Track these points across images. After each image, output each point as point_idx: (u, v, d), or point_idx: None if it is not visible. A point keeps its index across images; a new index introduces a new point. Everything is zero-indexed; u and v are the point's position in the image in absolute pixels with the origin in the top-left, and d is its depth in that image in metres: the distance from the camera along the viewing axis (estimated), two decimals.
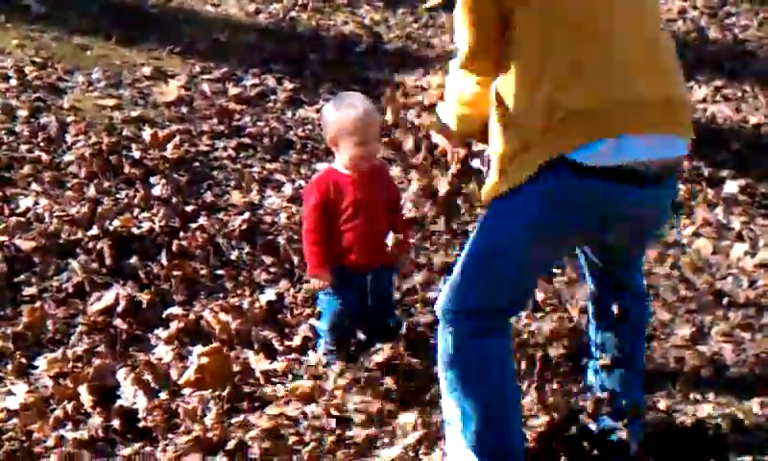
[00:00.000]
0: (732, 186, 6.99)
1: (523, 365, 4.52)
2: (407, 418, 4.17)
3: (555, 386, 4.30)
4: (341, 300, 4.63)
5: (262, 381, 4.47)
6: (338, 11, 9.73)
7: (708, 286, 5.61)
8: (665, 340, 5.01)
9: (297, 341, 4.81)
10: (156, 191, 5.94)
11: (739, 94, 8.86)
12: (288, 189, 6.27)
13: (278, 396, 4.33)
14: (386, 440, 4.01)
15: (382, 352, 4.51)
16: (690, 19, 10.54)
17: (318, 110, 7.40)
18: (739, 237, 6.30)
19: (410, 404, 4.28)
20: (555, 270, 5.58)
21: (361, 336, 4.64)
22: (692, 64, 9.33)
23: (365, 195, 4.57)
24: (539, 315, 5.13)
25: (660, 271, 5.77)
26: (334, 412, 4.17)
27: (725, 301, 5.44)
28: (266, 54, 8.46)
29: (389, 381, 4.39)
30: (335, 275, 4.59)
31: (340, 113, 4.54)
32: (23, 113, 6.66)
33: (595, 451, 3.76)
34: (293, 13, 9.56)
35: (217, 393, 4.28)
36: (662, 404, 4.39)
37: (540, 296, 5.33)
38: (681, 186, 6.86)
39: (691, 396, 4.52)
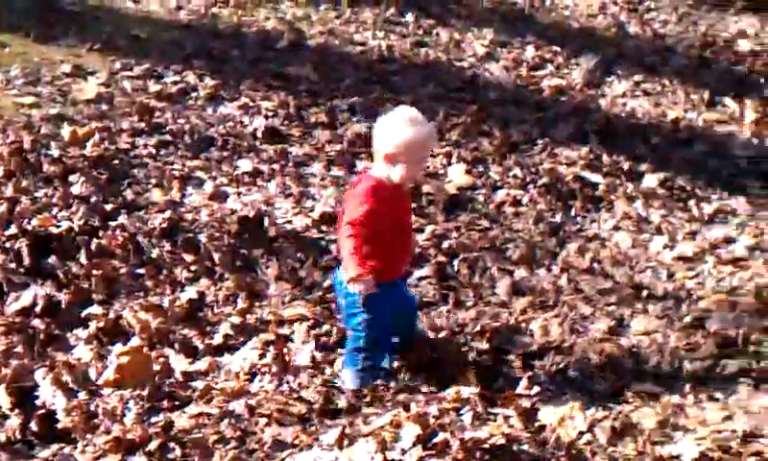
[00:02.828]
0: (651, 180, 7.08)
1: None
2: (329, 419, 4.18)
3: None
4: (387, 313, 4.46)
5: (183, 380, 4.45)
6: (260, 6, 9.68)
7: (627, 279, 5.67)
8: (585, 334, 5.06)
9: (218, 339, 4.81)
10: (76, 189, 5.87)
11: (659, 89, 8.98)
12: (209, 187, 6.23)
13: (199, 395, 4.31)
14: (306, 439, 3.99)
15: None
16: (611, 14, 10.66)
17: (240, 107, 7.39)
18: (658, 231, 6.39)
19: (331, 409, 4.27)
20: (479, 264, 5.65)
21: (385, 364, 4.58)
22: (612, 59, 9.47)
23: (407, 208, 4.63)
24: (459, 310, 5.20)
25: (581, 265, 5.82)
26: (257, 412, 4.15)
27: (644, 294, 5.50)
28: (187, 50, 8.40)
29: (311, 383, 4.40)
30: (377, 291, 4.38)
31: (412, 132, 4.36)
32: None
33: None
34: (214, 10, 9.49)
35: (137, 392, 4.26)
36: (584, 397, 4.43)
37: (461, 292, 5.40)
38: (601, 180, 6.95)
39: (611, 388, 4.58)
